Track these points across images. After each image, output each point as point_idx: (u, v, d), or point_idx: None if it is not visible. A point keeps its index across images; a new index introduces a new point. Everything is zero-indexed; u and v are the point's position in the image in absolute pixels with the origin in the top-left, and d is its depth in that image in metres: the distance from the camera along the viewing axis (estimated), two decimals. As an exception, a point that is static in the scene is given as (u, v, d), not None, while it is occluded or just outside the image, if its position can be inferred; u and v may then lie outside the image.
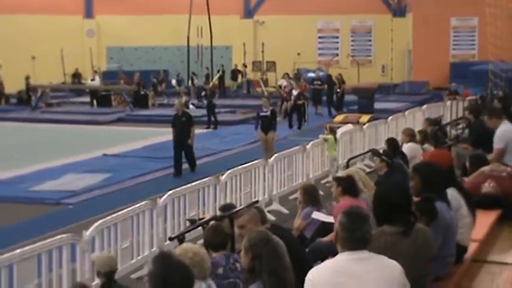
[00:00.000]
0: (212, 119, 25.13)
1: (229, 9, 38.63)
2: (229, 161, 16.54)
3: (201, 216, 8.03)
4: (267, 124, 16.82)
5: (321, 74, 30.61)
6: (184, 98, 32.37)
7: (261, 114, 17.07)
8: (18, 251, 7.21)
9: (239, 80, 37.02)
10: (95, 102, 31.74)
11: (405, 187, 5.33)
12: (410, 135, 11.59)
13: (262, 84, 35.10)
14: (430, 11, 34.54)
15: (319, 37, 39.18)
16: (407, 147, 11.11)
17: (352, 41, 38.99)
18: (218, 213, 6.64)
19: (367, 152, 15.20)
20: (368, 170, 13.65)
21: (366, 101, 26.72)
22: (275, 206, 12.45)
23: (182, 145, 16.17)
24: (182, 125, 16.30)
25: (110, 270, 6.41)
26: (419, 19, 35.31)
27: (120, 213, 8.90)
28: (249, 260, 4.28)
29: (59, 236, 7.81)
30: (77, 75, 37.09)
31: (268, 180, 12.42)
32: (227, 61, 37.75)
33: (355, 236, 3.89)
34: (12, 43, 36.36)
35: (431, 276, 4.90)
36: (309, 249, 7.34)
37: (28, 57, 36.20)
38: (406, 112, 19.90)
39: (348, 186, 8.02)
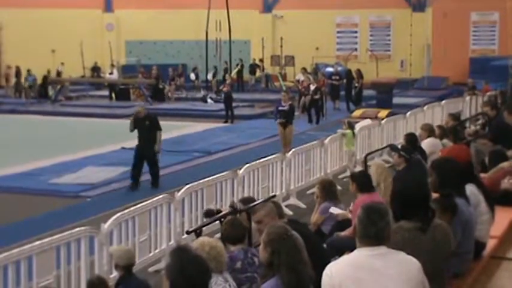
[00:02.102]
0: (229, 113, 25.14)
1: (248, 3, 38.60)
2: (246, 155, 16.55)
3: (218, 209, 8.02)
4: (285, 118, 16.84)
5: (339, 68, 30.51)
6: (203, 92, 32.55)
7: (280, 108, 17.07)
8: (37, 242, 7.27)
9: (257, 74, 37.00)
10: (113, 95, 31.86)
11: (423, 182, 5.31)
12: (429, 131, 11.52)
13: (280, 78, 35.06)
14: (449, 6, 34.28)
15: (338, 32, 39.04)
16: (426, 143, 11.05)
17: (371, 35, 38.79)
18: (239, 205, 6.64)
19: (385, 147, 15.13)
20: (386, 165, 13.59)
21: (384, 96, 26.60)
22: (292, 200, 12.45)
23: (144, 154, 14.04)
24: (145, 130, 14.17)
25: (127, 263, 6.44)
26: (439, 14, 35.06)
27: (138, 206, 8.94)
28: (267, 255, 4.28)
29: (77, 229, 7.87)
30: (96, 69, 37.26)
31: (286, 174, 12.41)
32: (245, 55, 37.72)
33: (372, 231, 3.88)
34: (33, 37, 36.60)
35: (449, 272, 4.88)
36: (327, 244, 7.34)
37: (48, 51, 36.38)
38: (425, 107, 19.78)
39: (363, 182, 8.02)
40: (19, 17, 36.95)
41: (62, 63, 35.24)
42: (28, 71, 32.92)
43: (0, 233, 11.05)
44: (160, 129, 14.35)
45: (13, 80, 34.16)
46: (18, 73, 32.78)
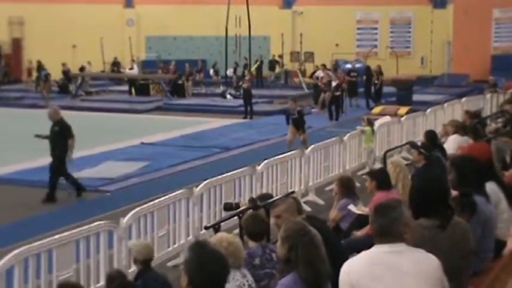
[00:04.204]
0: (248, 109, 25.15)
1: (268, -1, 38.61)
2: (265, 151, 16.56)
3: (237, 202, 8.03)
4: (297, 123, 16.89)
5: (357, 65, 30.40)
6: (222, 88, 32.58)
7: (290, 116, 17.10)
8: (57, 236, 7.33)
9: (277, 70, 36.98)
10: (133, 91, 31.99)
11: (442, 180, 5.28)
12: (456, 127, 11.43)
13: (299, 74, 35.02)
14: (471, 2, 34.02)
15: (358, 28, 38.90)
16: (452, 139, 10.98)
17: (391, 32, 38.62)
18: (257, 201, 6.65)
19: (404, 144, 15.08)
20: (405, 162, 13.53)
21: (404, 93, 26.47)
22: (311, 197, 12.43)
23: (52, 164, 13.10)
24: (53, 137, 13.17)
25: (146, 257, 6.46)
26: (460, 10, 34.79)
27: (156, 201, 8.97)
28: (285, 251, 4.28)
29: (96, 223, 7.92)
30: (115, 64, 37.44)
31: (305, 171, 12.40)
32: (265, 51, 37.71)
33: (383, 228, 3.87)
34: (54, 32, 36.85)
35: (469, 271, 4.85)
36: (344, 243, 7.33)
37: (69, 46, 36.59)
38: (445, 104, 19.67)
39: (382, 180, 8.00)
40: (41, 12, 37.21)
41: (89, 63, 35.36)
42: (40, 65, 33.04)
43: (20, 226, 11.17)
44: (71, 136, 13.14)
45: (34, 74, 34.39)
46: (39, 68, 32.99)
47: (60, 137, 13.06)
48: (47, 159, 16.21)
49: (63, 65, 33.69)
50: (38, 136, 13.26)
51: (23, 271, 6.75)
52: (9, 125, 22.87)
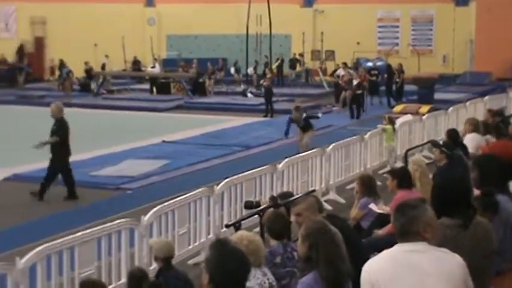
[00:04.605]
0: (269, 107, 25.15)
1: (289, -3, 38.55)
2: (286, 149, 16.53)
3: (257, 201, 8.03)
4: (303, 129, 16.57)
5: (378, 63, 30.27)
6: (243, 87, 32.59)
7: (297, 126, 16.75)
8: (79, 233, 7.37)
9: (298, 68, 36.94)
10: (154, 89, 32.12)
11: (465, 178, 5.25)
12: (474, 125, 11.35)
13: (320, 73, 34.94)
14: (494, 0, 33.73)
15: (379, 26, 38.71)
16: (470, 138, 10.91)
17: (413, 30, 38.38)
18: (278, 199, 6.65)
19: (426, 143, 15.00)
20: (427, 161, 13.47)
21: (426, 91, 26.32)
22: (332, 195, 12.41)
23: (52, 165, 12.94)
24: (51, 135, 12.93)
25: (167, 255, 6.48)
26: (483, 8, 34.50)
27: (177, 199, 9.00)
28: (305, 249, 4.28)
29: (118, 221, 7.96)
30: (136, 63, 37.61)
31: (325, 169, 12.38)
32: (286, 50, 37.67)
33: (403, 227, 3.85)
34: (76, 31, 37.10)
35: (491, 271, 4.81)
36: (366, 242, 7.30)
37: (91, 45, 36.82)
38: (467, 103, 19.53)
39: (403, 178, 7.97)
40: (63, 11, 37.48)
41: (107, 56, 35.60)
42: (62, 63, 33.24)
43: (43, 223, 11.26)
44: (60, 137, 12.74)
45: (57, 73, 34.64)
46: (61, 66, 33.23)
47: (58, 137, 12.80)
48: (70, 158, 16.37)
49: (86, 63, 33.90)
50: (37, 146, 12.95)
51: (46, 268, 6.81)
52: (32, 124, 23.03)
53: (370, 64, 31.62)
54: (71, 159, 14.96)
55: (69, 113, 26.94)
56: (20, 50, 38.67)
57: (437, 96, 26.86)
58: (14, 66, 37.72)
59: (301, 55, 36.90)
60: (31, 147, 12.84)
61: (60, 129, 12.78)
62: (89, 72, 33.73)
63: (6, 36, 38.87)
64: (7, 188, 12.81)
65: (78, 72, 33.45)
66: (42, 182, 12.83)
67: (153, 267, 7.46)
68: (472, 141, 10.75)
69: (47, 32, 39.06)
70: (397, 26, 38.56)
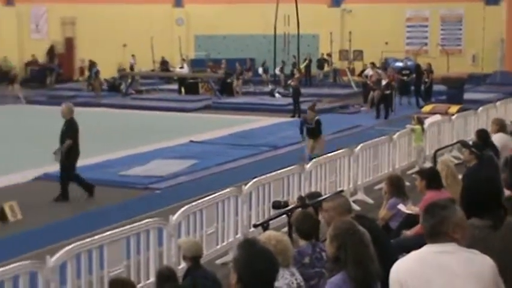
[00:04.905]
0: (297, 107, 25.11)
1: (317, -3, 38.46)
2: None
3: (285, 200, 8.03)
4: (313, 133, 15.92)
5: (408, 63, 30.12)
6: (270, 87, 32.60)
7: (307, 126, 16.04)
8: (108, 233, 7.44)
9: (325, 68, 36.84)
10: (182, 89, 32.25)
11: (495, 179, 5.19)
12: (500, 125, 11.23)
13: (348, 73, 34.82)
14: (525, -1, 33.33)
15: (408, 26, 38.45)
16: (496, 138, 10.80)
17: (442, 29, 38.07)
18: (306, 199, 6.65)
19: (455, 143, 14.88)
20: (456, 161, 13.36)
21: (455, 91, 26.11)
22: (360, 195, 12.36)
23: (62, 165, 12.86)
24: (61, 136, 12.85)
25: (195, 255, 6.50)
26: (513, 7, 34.11)
27: (205, 199, 9.02)
28: (334, 250, 4.27)
29: (146, 220, 8.02)
30: (164, 63, 37.81)
31: (354, 169, 12.34)
32: (314, 50, 37.59)
33: (432, 227, 3.83)
34: (105, 31, 37.41)
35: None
36: (394, 242, 7.27)
37: (119, 45, 37.09)
38: (498, 103, 19.32)
39: (432, 179, 7.91)
40: (92, 12, 37.82)
41: (133, 56, 35.83)
42: (92, 63, 33.51)
43: (72, 222, 11.37)
44: (70, 138, 12.76)
45: (86, 73, 34.95)
46: (91, 66, 33.53)
47: (66, 137, 12.82)
48: (95, 158, 16.55)
49: (120, 65, 34.21)
50: (55, 153, 12.97)
51: (76, 267, 6.88)
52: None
53: (399, 64, 31.43)
54: (102, 158, 15.17)
55: (98, 113, 27.44)
56: (51, 51, 39.10)
57: (467, 96, 26.62)
58: (44, 66, 38.18)
59: (329, 55, 36.81)
60: (53, 154, 12.90)
61: (70, 130, 12.84)
62: (121, 72, 33.99)
63: (37, 37, 39.33)
64: (38, 187, 12.96)
65: (108, 73, 33.72)
66: (64, 184, 12.91)
67: (182, 266, 7.49)
68: (498, 141, 10.63)
69: (77, 33, 39.44)
70: (426, 26, 38.27)
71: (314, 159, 11.68)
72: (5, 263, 7.08)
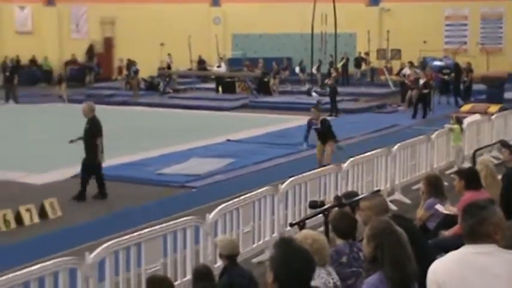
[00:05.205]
0: (334, 106, 25.04)
1: (355, -4, 38.25)
2: (351, 149, 16.41)
3: (322, 200, 8.02)
4: (322, 136, 14.81)
5: (448, 62, 29.82)
6: (307, 86, 32.54)
7: (313, 127, 15.02)
8: (145, 230, 7.50)
9: (363, 67, 36.64)
10: (220, 88, 32.36)
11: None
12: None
13: (386, 72, 34.58)
14: None
15: (447, 24, 38.00)
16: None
17: (482, 28, 37.55)
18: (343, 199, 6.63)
19: (495, 143, 14.68)
20: (496, 162, 13.18)
21: (495, 91, 25.76)
22: (397, 195, 12.28)
23: (84, 162, 13.04)
24: (84, 135, 13.08)
25: (232, 253, 6.52)
26: (555, 4, 33.51)
27: (242, 198, 9.05)
28: (371, 249, 4.25)
29: (183, 218, 8.07)
30: (201, 62, 37.96)
31: (391, 169, 12.26)
32: (351, 49, 37.38)
33: (471, 228, 3.78)
34: (143, 31, 37.71)
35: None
36: (432, 243, 7.21)
37: (157, 45, 37.36)
38: (539, 102, 19.02)
39: (471, 179, 7.82)
40: (131, 12, 38.16)
41: (169, 55, 36.01)
42: (130, 63, 33.78)
43: (110, 220, 11.50)
44: (100, 135, 12.97)
45: (124, 72, 35.28)
46: (129, 65, 33.84)
47: (90, 136, 12.96)
48: (133, 156, 16.73)
49: (160, 63, 34.48)
50: (72, 141, 13.31)
51: (114, 263, 6.96)
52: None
53: (438, 63, 31.10)
54: (139, 156, 15.23)
55: (136, 112, 27.66)
56: (90, 50, 39.54)
57: (508, 95, 26.23)
58: (83, 66, 38.62)
59: (367, 54, 36.58)
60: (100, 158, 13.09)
61: (92, 128, 13.01)
62: (160, 71, 34.23)
63: (77, 37, 39.80)
64: (77, 184, 13.12)
65: (146, 72, 33.96)
66: (99, 182, 13.07)
67: (218, 264, 7.52)
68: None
69: (116, 32, 39.83)
70: (466, 24, 37.78)
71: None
72: (46, 259, 7.21)
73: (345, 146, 15.74)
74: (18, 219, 11.35)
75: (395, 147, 12.59)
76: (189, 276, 7.59)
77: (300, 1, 36.05)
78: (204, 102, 29.07)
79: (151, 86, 33.62)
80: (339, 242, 5.66)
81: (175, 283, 7.51)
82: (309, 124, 15.07)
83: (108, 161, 15.89)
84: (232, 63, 36.83)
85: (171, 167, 15.40)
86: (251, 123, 22.89)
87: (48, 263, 6.44)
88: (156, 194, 13.35)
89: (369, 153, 11.96)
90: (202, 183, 14.16)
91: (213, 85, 33.42)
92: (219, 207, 8.49)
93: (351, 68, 36.05)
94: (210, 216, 8.22)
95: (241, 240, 8.53)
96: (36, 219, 11.54)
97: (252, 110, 26.79)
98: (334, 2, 32.84)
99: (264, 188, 9.48)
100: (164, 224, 7.80)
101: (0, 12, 37.97)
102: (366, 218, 5.57)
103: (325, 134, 14.75)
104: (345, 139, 19.40)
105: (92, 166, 12.98)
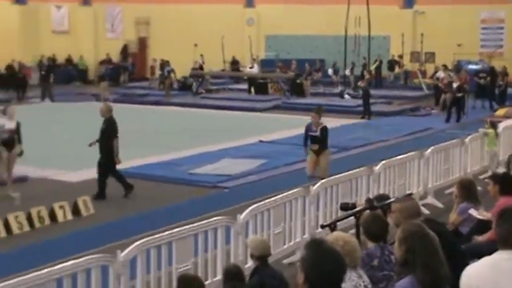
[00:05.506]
0: (366, 109, 24.93)
1: (389, -2, 38.01)
2: (383, 152, 16.35)
3: (353, 202, 7.99)
4: (318, 145, 13.54)
5: (484, 66, 29.53)
6: (340, 88, 32.43)
7: (310, 133, 13.64)
8: (176, 229, 7.54)
9: (396, 70, 36.42)
10: (252, 89, 32.40)
11: None
12: None
13: (419, 75, 34.33)
14: None
15: (482, 28, 37.58)
16: None
17: (519, 31, 37.07)
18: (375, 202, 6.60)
19: (530, 148, 14.50)
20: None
21: (531, 95, 25.45)
22: (430, 199, 12.18)
23: (100, 162, 13.05)
24: (100, 135, 13.13)
25: (263, 253, 6.52)
26: None
27: (273, 199, 9.05)
28: (402, 253, 4.23)
29: (214, 218, 8.10)
30: (234, 63, 38.06)
31: (424, 173, 12.16)
32: (384, 51, 37.19)
33: (506, 233, 3.74)
34: (177, 31, 37.95)
35: None
36: (465, 248, 7.14)
37: (191, 45, 37.57)
38: None
39: (505, 184, 7.73)
40: (165, 12, 38.45)
41: (201, 55, 36.14)
42: (164, 63, 33.96)
43: (142, 218, 11.58)
44: (115, 136, 13.05)
45: (157, 72, 35.53)
46: (163, 66, 34.07)
47: (106, 136, 13.04)
48: (165, 156, 16.83)
49: (193, 64, 34.68)
50: (91, 145, 13.36)
51: (146, 262, 7.01)
52: (134, 121, 23.74)
53: (474, 66, 30.77)
54: (172, 156, 15.21)
55: (168, 112, 27.81)
56: (124, 50, 39.92)
57: (544, 100, 25.90)
58: (118, 65, 38.98)
59: (400, 57, 36.36)
60: (117, 160, 13.15)
61: (109, 128, 13.10)
62: (193, 71, 34.41)
63: (112, 37, 40.21)
64: (109, 183, 13.26)
65: (179, 72, 34.12)
66: (121, 181, 13.18)
67: (249, 265, 7.53)
68: None
69: (150, 32, 40.14)
70: (502, 28, 37.32)
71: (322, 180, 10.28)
72: (78, 255, 7.28)
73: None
74: (52, 216, 11.51)
75: (429, 150, 12.49)
76: (219, 276, 7.62)
77: (334, 3, 35.96)
78: (237, 103, 29.12)
79: (184, 86, 33.79)
80: (370, 245, 5.64)
81: (206, 283, 7.52)
82: (307, 130, 13.72)
83: (141, 160, 16.08)
84: (265, 64, 36.87)
85: (203, 167, 15.47)
86: (283, 124, 22.88)
87: (80, 259, 6.52)
88: (187, 193, 13.43)
89: (401, 156, 11.89)
90: (234, 183, 14.20)
91: (245, 86, 33.49)
92: (251, 207, 8.51)
93: (384, 71, 35.87)
94: (241, 217, 8.23)
95: (272, 241, 8.52)
96: (69, 216, 11.69)
97: (284, 111, 26.78)
98: (368, 4, 32.70)
99: (296, 190, 9.48)
100: (195, 224, 7.84)
101: (37, 11, 38.48)
102: (396, 220, 5.54)
103: (322, 143, 13.51)
104: (377, 142, 19.33)
105: (107, 166, 13.04)
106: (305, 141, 13.77)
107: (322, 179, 11.45)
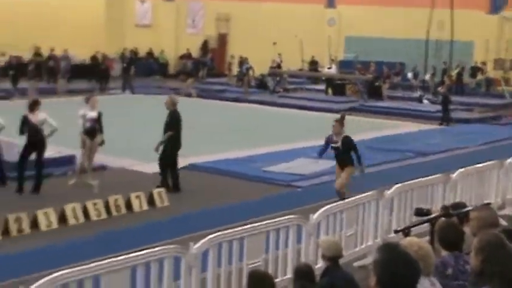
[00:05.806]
0: (446, 115, 24.47)
1: (474, 3, 37.08)
2: (461, 159, 16.02)
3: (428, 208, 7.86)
4: (341, 158, 12.35)
5: None
6: (419, 92, 31.92)
7: (331, 145, 12.48)
8: (249, 226, 7.61)
9: (479, 77, 35.58)
10: (329, 90, 32.24)
11: None
12: None
13: (503, 82, 33.44)
14: None
15: None
16: None
17: None
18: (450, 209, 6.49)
19: None
20: None
21: None
22: (508, 210, 11.87)
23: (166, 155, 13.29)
24: (164, 127, 13.25)
25: (335, 254, 6.50)
26: None
27: (346, 201, 9.03)
28: (478, 263, 4.14)
29: (286, 217, 8.13)
30: (313, 63, 37.96)
31: (503, 182, 11.86)
32: (467, 57, 36.36)
33: None
34: (256, 29, 38.12)
35: None
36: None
37: (269, 43, 37.69)
38: None
39: None
40: (246, 9, 38.69)
41: (279, 54, 36.19)
42: (243, 60, 34.17)
43: (215, 213, 11.71)
44: (173, 129, 13.18)
45: (235, 69, 35.80)
46: (241, 63, 34.31)
47: (169, 129, 13.18)
48: (241, 152, 16.95)
49: (272, 62, 34.84)
50: (157, 149, 13.42)
51: (217, 256, 7.10)
52: (211, 116, 24.01)
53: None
54: (247, 152, 15.29)
55: (245, 109, 28.00)
56: (204, 46, 40.41)
57: None
58: (198, 60, 39.49)
59: (484, 63, 35.48)
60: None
61: (172, 121, 13.22)
62: (271, 70, 34.57)
63: (192, 32, 40.77)
64: (184, 176, 13.46)
65: (257, 70, 34.32)
66: (173, 174, 13.33)
67: (319, 265, 7.52)
68: None
69: (230, 29, 40.49)
70: None
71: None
72: (152, 245, 7.44)
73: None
74: (129, 205, 11.78)
75: (509, 160, 12.17)
76: (289, 275, 7.64)
77: (417, 6, 35.41)
78: (314, 103, 29.06)
79: (261, 84, 33.94)
80: (444, 253, 5.54)
81: (276, 280, 7.56)
82: (327, 141, 12.60)
83: (216, 155, 16.27)
84: (344, 65, 36.62)
85: (278, 165, 15.51)
86: (359, 126, 22.67)
87: (154, 249, 6.65)
88: (261, 190, 13.50)
89: (480, 165, 11.63)
90: (308, 183, 14.19)
91: (323, 86, 33.36)
92: (323, 208, 8.50)
93: (466, 77, 35.08)
94: (314, 217, 8.23)
95: (343, 243, 8.49)
96: (145, 207, 11.94)
97: (361, 114, 26.55)
98: (452, 8, 32.06)
99: (369, 193, 9.41)
100: (267, 221, 7.88)
101: (122, 5, 39.37)
102: (473, 229, 5.43)
103: (345, 155, 12.24)
104: (456, 149, 18.92)
105: (168, 158, 13.21)
106: (321, 152, 12.67)
107: (338, 195, 11.39)
